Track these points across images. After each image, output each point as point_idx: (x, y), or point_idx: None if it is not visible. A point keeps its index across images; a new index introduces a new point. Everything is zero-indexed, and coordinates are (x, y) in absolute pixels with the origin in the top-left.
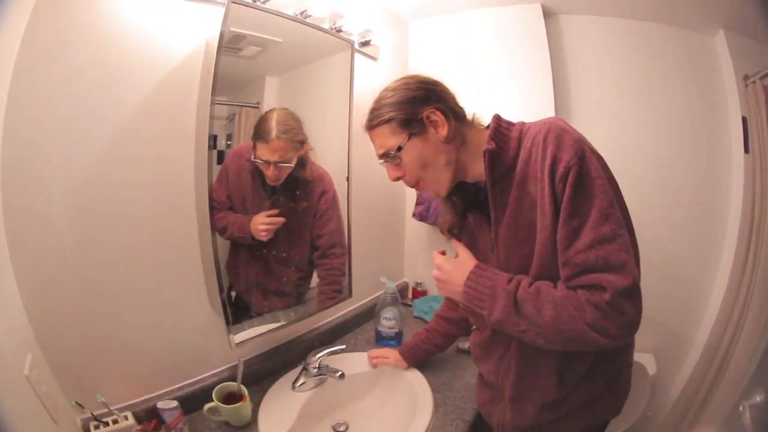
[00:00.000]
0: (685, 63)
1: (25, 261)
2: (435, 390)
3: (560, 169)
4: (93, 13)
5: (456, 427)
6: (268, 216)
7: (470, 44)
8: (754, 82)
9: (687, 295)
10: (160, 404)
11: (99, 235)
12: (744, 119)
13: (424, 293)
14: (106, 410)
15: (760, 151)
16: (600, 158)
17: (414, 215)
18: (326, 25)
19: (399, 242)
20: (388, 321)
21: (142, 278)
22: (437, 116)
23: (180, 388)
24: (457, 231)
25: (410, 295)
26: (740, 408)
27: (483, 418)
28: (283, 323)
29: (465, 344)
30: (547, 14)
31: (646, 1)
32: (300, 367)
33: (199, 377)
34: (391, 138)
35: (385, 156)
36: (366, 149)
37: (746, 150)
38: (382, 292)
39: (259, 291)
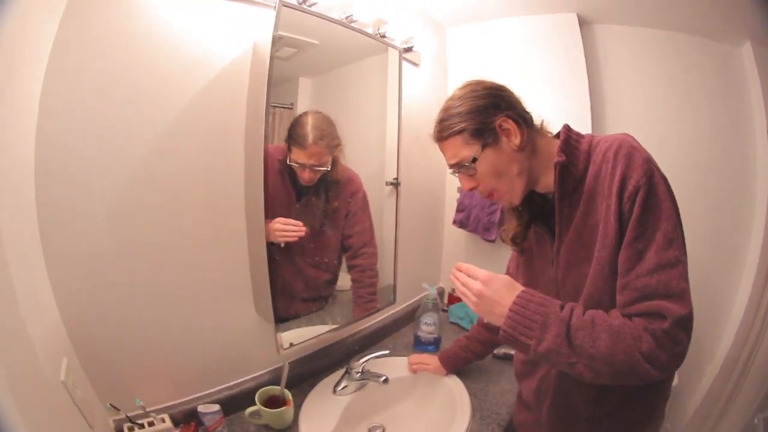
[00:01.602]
0: (713, 73)
1: (61, 264)
2: (472, 395)
3: (629, 187)
4: (136, 17)
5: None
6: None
7: (506, 51)
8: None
9: (710, 306)
10: (201, 408)
11: (140, 236)
12: None
13: (460, 299)
14: (142, 412)
15: None
16: (666, 180)
17: (454, 222)
18: (370, 30)
19: (438, 248)
20: (428, 326)
21: (184, 280)
22: (509, 124)
23: (219, 391)
24: (520, 241)
25: (446, 301)
26: (755, 421)
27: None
28: (333, 326)
29: (501, 350)
30: (582, 23)
31: (676, 12)
32: (342, 371)
33: (239, 380)
34: (464, 149)
35: (457, 167)
36: (410, 155)
37: None
38: (422, 296)
39: (298, 294)
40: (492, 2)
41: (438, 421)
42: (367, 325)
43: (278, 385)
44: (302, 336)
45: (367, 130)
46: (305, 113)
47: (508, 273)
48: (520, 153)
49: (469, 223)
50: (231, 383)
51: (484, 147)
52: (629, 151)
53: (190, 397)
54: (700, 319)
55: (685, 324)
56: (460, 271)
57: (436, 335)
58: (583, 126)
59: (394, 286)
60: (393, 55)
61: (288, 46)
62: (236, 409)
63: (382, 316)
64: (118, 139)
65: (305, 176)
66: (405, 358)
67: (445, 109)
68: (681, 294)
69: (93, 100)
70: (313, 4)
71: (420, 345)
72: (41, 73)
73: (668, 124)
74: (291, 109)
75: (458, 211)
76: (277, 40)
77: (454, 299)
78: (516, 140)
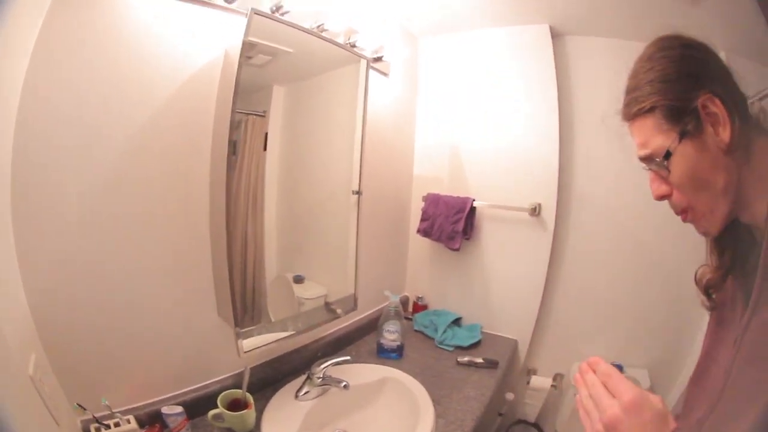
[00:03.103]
0: None
1: (34, 260)
2: (436, 402)
3: None
4: (114, 17)
5: None
6: None
7: (478, 62)
8: (752, 102)
9: (682, 310)
10: (165, 409)
11: (109, 239)
12: None
13: (424, 307)
14: (108, 412)
15: None
16: None
17: (419, 231)
18: (341, 40)
19: (402, 256)
20: (390, 334)
21: (150, 284)
22: (717, 107)
23: (184, 394)
24: (713, 291)
25: (411, 309)
26: None
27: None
28: (292, 333)
29: (465, 358)
30: (555, 35)
31: (651, 25)
32: (304, 377)
33: (203, 383)
34: (657, 136)
35: (648, 161)
36: (375, 165)
37: None
38: (385, 304)
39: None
40: (466, 14)
41: (401, 426)
42: (329, 332)
43: (241, 388)
44: (263, 341)
45: (337, 139)
46: None
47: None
48: (729, 156)
49: (433, 232)
50: (195, 386)
51: (681, 137)
52: None
53: (155, 399)
54: (673, 324)
55: None
56: (594, 372)
57: (398, 342)
58: (550, 139)
59: (355, 294)
60: (363, 65)
61: (263, 53)
62: (201, 412)
63: (345, 323)
64: (93, 140)
65: None
66: (368, 365)
67: (633, 75)
68: None
69: (71, 100)
70: (286, 12)
71: (383, 353)
72: (21, 74)
73: None
74: (263, 116)
75: (422, 220)
76: (247, 47)
77: (419, 307)
78: (725, 134)
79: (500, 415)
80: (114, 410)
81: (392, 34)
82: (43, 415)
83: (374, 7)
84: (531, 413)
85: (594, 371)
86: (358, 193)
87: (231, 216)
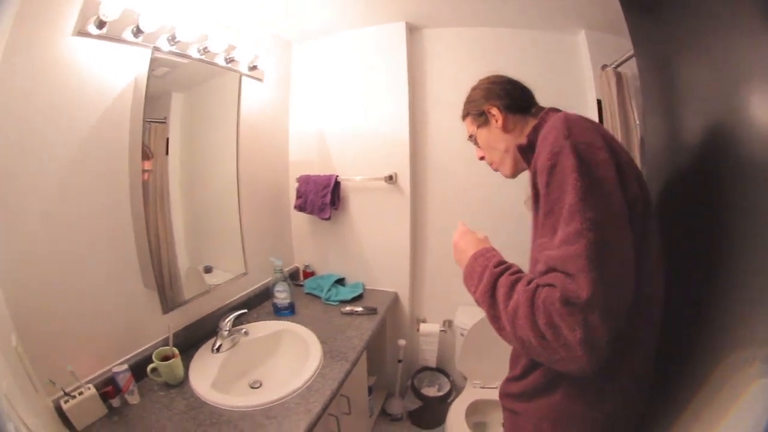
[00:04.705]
0: (549, 60)
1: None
2: (323, 342)
3: (538, 167)
4: (48, 51)
5: (341, 366)
6: None
7: (343, 60)
8: (605, 67)
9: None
10: (115, 368)
11: (58, 235)
12: (599, 101)
13: (312, 274)
14: (76, 385)
15: (611, 126)
16: (590, 153)
17: (295, 207)
18: (222, 57)
19: (287, 231)
20: (280, 293)
21: (88, 269)
22: (494, 111)
23: (128, 359)
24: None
25: (302, 277)
26: None
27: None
28: (202, 292)
29: (347, 308)
30: (414, 29)
31: (514, 11)
32: (216, 335)
33: (142, 348)
34: (470, 127)
35: (470, 139)
36: (252, 156)
37: None
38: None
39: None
40: (333, 18)
41: (298, 364)
42: (234, 298)
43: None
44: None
45: (222, 138)
46: None
47: None
48: (507, 134)
49: (307, 207)
50: (137, 351)
51: (479, 126)
52: (549, 131)
53: (108, 367)
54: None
55: (581, 308)
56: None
57: (289, 300)
58: (401, 119)
59: (244, 258)
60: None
61: (163, 65)
62: (144, 374)
63: (246, 291)
64: (41, 154)
65: None
66: (269, 321)
67: (466, 98)
68: (577, 273)
69: (21, 110)
70: (178, 42)
71: (278, 312)
72: None
73: None
74: (164, 123)
75: (297, 197)
76: (152, 77)
77: (307, 274)
78: (499, 123)
79: (399, 361)
80: (80, 379)
81: (267, 42)
82: (26, 384)
83: (250, 19)
84: (430, 359)
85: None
86: (237, 180)
87: (148, 214)
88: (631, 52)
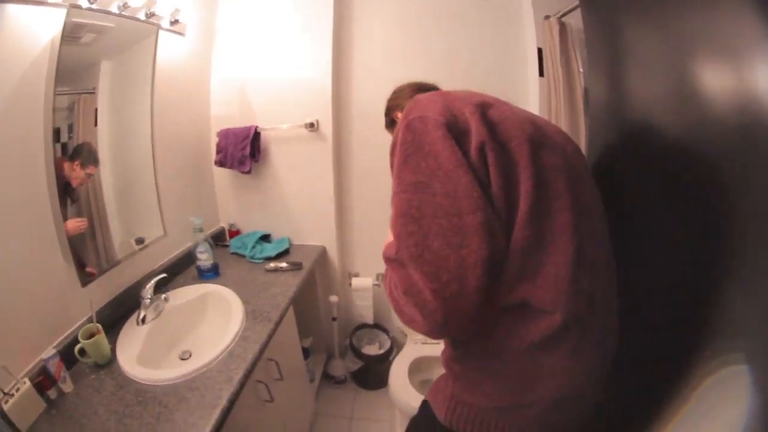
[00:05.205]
0: (490, 11)
1: None
2: (245, 302)
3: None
4: None
5: (264, 326)
6: None
7: (267, 9)
8: (548, 17)
9: None
10: (43, 354)
11: None
12: (539, 50)
13: (237, 232)
14: (13, 382)
15: (552, 76)
16: (425, 121)
17: (216, 162)
18: (143, 12)
19: (210, 190)
20: (202, 254)
21: (7, 260)
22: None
23: (57, 345)
24: None
25: (228, 237)
26: None
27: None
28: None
29: (271, 265)
30: None
31: None
32: (140, 305)
33: (71, 330)
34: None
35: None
36: (172, 113)
37: (541, 74)
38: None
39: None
40: None
41: (222, 330)
42: (158, 266)
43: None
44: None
45: (142, 97)
46: None
47: None
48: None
49: (227, 161)
50: (64, 335)
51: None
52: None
53: (39, 359)
54: None
55: (400, 263)
56: None
57: (212, 262)
58: (322, 66)
59: (162, 221)
60: (161, 32)
61: (91, 32)
62: (74, 359)
63: (168, 257)
64: None
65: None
66: (193, 286)
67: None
68: (394, 233)
69: None
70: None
71: (202, 275)
72: None
73: (433, 55)
74: (93, 93)
75: (217, 152)
76: (75, 28)
77: (233, 233)
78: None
79: (334, 319)
80: (15, 375)
81: None
82: None
83: None
84: (367, 315)
85: None
86: (153, 138)
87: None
88: (576, 3)
